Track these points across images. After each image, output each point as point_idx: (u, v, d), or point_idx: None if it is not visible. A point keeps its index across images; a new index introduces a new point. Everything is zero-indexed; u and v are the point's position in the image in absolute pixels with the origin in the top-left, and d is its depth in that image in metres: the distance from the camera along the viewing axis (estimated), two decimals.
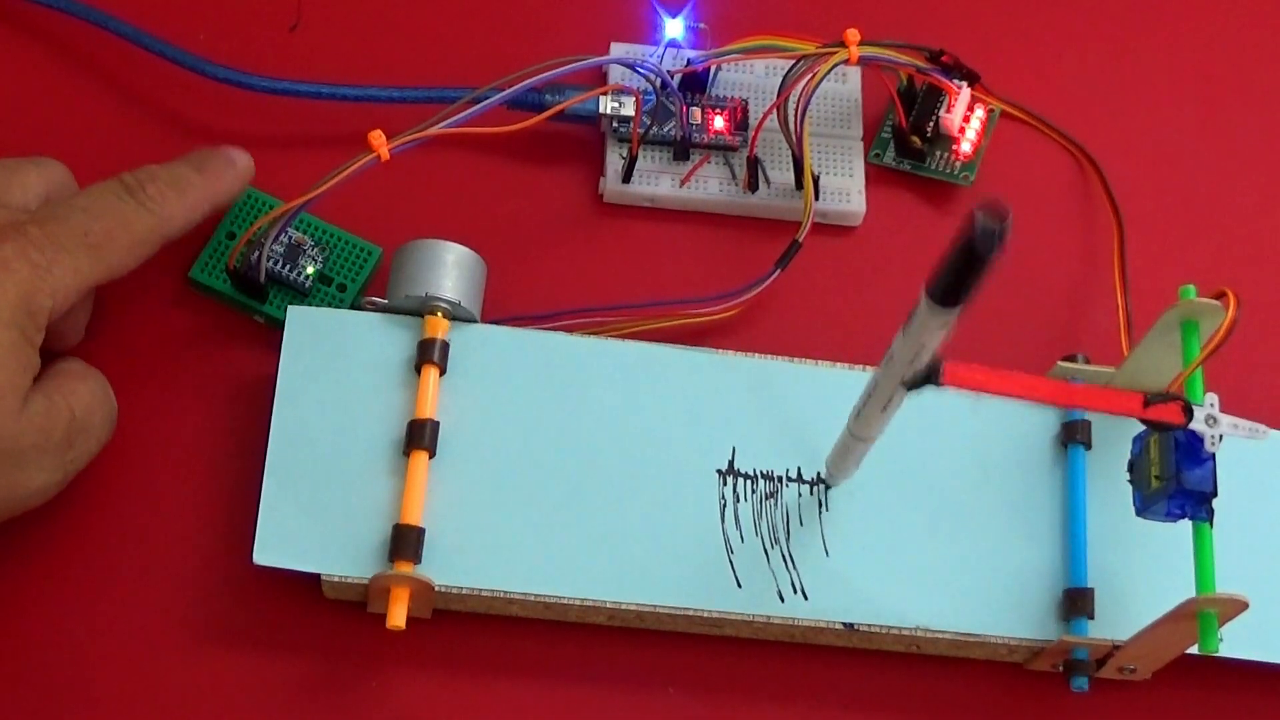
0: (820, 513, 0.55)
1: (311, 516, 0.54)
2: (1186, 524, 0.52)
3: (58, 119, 0.61)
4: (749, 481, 0.56)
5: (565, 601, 0.54)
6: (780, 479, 0.56)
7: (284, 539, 0.53)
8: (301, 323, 0.56)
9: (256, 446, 0.55)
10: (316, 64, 0.63)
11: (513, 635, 0.55)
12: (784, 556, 0.55)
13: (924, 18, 0.66)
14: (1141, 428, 0.52)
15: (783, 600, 0.54)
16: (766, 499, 0.56)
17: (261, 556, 0.53)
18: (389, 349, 0.56)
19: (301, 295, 0.58)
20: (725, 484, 0.56)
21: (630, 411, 0.56)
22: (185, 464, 0.56)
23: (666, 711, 0.55)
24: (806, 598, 0.54)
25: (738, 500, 0.55)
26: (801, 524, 0.55)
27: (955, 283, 0.42)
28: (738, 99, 0.62)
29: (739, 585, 0.54)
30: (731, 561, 0.55)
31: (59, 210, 0.52)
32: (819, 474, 0.56)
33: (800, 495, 0.56)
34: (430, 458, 0.54)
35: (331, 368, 0.56)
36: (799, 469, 0.56)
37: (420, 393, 0.55)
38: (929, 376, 0.46)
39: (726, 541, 0.55)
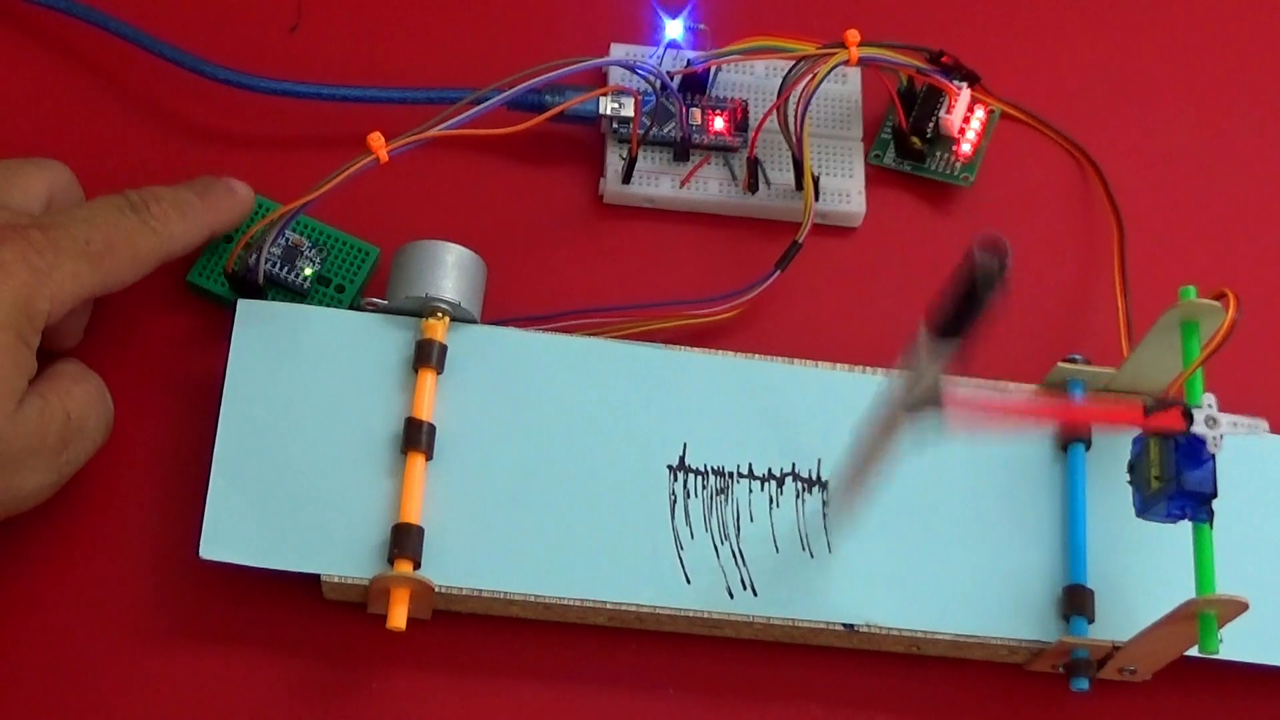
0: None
1: (262, 513, 0.53)
2: (1186, 525, 0.52)
3: (58, 119, 0.61)
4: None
5: (565, 602, 0.54)
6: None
7: (233, 534, 0.53)
8: (252, 316, 0.56)
9: None
10: (316, 64, 0.63)
11: (513, 636, 0.55)
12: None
13: (924, 18, 0.66)
14: None
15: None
16: (716, 494, 0.55)
17: (208, 551, 0.53)
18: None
19: (300, 297, 0.58)
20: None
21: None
22: (183, 466, 0.56)
23: (666, 711, 0.55)
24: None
25: (689, 498, 0.55)
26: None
27: (956, 319, 0.42)
28: (737, 100, 0.62)
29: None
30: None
31: (62, 218, 0.52)
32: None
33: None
34: (427, 459, 0.54)
35: (292, 362, 0.55)
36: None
37: (417, 394, 0.55)
38: (931, 402, 0.46)
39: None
